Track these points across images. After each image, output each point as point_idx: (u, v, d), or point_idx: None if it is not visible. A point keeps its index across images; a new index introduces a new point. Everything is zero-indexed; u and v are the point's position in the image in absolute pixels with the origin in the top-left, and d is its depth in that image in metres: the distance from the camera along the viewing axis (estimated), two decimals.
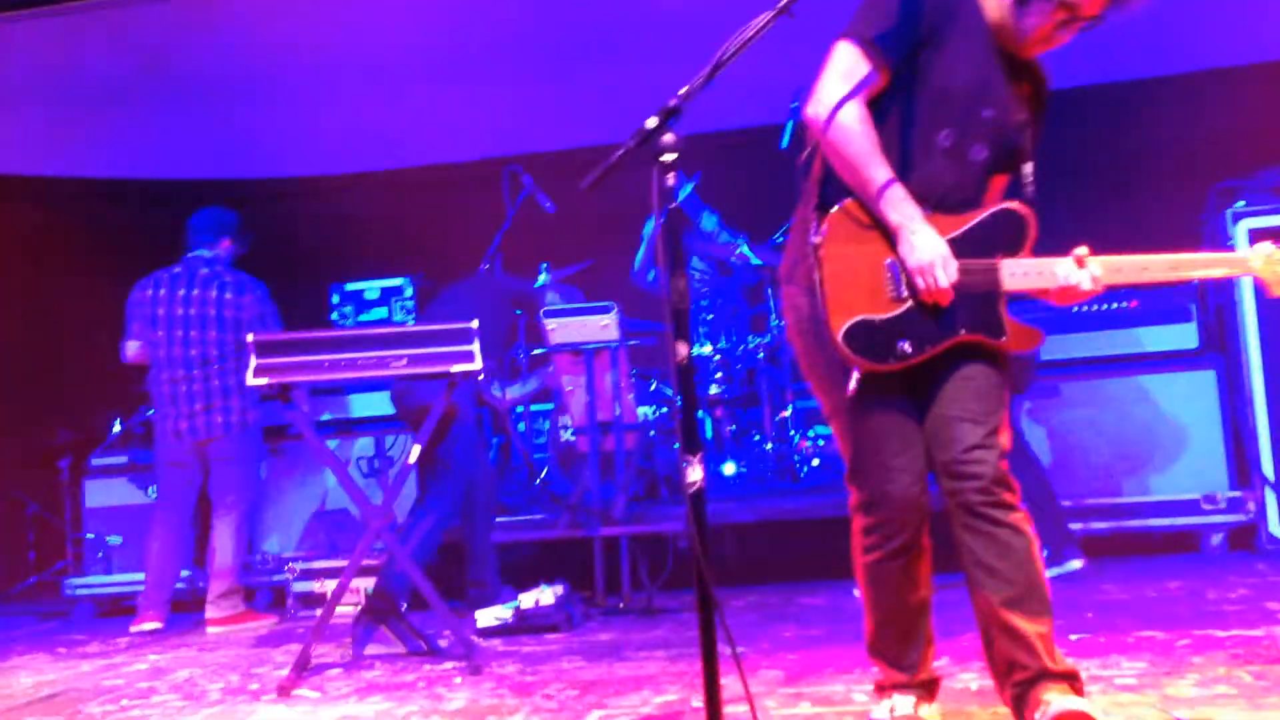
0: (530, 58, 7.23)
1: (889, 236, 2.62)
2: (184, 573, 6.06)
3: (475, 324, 4.21)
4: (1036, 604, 2.61)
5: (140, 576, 5.97)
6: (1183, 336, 5.64)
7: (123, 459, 6.64)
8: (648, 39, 6.70)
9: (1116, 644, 3.65)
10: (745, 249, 6.35)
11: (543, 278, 6.43)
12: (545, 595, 4.79)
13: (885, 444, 2.70)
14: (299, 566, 5.98)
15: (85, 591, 6.52)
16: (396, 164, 8.12)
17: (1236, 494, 5.37)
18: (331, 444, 6.10)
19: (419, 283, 7.01)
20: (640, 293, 6.66)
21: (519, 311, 5.93)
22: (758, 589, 5.37)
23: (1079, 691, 2.61)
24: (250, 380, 4.18)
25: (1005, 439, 2.65)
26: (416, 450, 4.36)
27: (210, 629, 5.63)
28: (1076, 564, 4.93)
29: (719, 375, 6.45)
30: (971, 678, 3.11)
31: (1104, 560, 5.21)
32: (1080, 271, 2.63)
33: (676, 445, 6.01)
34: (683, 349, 2.45)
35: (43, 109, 7.34)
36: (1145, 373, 5.60)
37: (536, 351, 6.48)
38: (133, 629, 5.67)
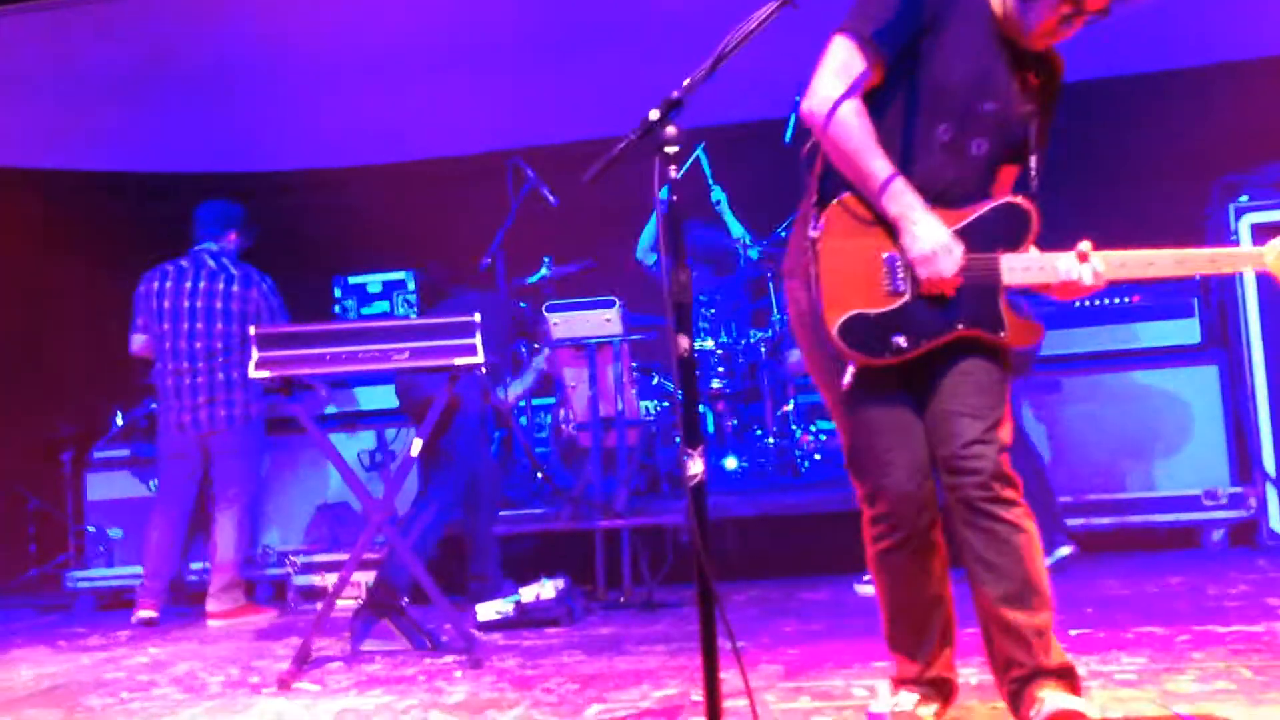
0: (533, 51, 7.22)
1: (889, 230, 2.61)
2: (195, 565, 6.07)
3: (477, 317, 4.21)
4: (1034, 600, 2.60)
5: (139, 569, 5.97)
6: (1185, 332, 5.63)
7: (125, 452, 6.64)
8: (651, 31, 6.70)
9: (1116, 639, 3.65)
10: (745, 235, 6.35)
11: (543, 270, 6.44)
12: (546, 589, 4.79)
13: (881, 438, 2.69)
14: (300, 560, 5.98)
15: (86, 584, 6.53)
16: (399, 157, 8.11)
17: (1238, 490, 5.37)
18: (333, 437, 6.09)
19: (421, 276, 7.00)
20: (643, 280, 6.65)
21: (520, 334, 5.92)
22: (759, 584, 5.37)
23: (1076, 688, 2.60)
24: (252, 373, 4.18)
25: (1006, 434, 2.64)
26: (418, 443, 4.36)
27: (211, 622, 5.63)
28: (1065, 550, 4.95)
29: (721, 370, 6.44)
30: (972, 672, 3.10)
31: (1105, 555, 5.21)
32: (1082, 266, 2.62)
33: (678, 439, 6.01)
34: (684, 342, 2.44)
35: (44, 101, 7.34)
36: (1147, 368, 5.59)
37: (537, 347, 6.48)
38: (133, 619, 5.68)
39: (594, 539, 5.25)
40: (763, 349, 6.42)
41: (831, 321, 2.61)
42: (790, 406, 6.35)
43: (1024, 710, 2.58)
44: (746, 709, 2.56)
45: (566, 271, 6.57)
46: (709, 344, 6.47)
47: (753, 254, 6.38)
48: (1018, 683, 2.60)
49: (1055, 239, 2.68)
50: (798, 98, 2.83)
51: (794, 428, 6.34)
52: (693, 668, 3.56)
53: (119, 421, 6.77)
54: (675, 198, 2.46)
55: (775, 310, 6.51)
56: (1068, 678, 2.60)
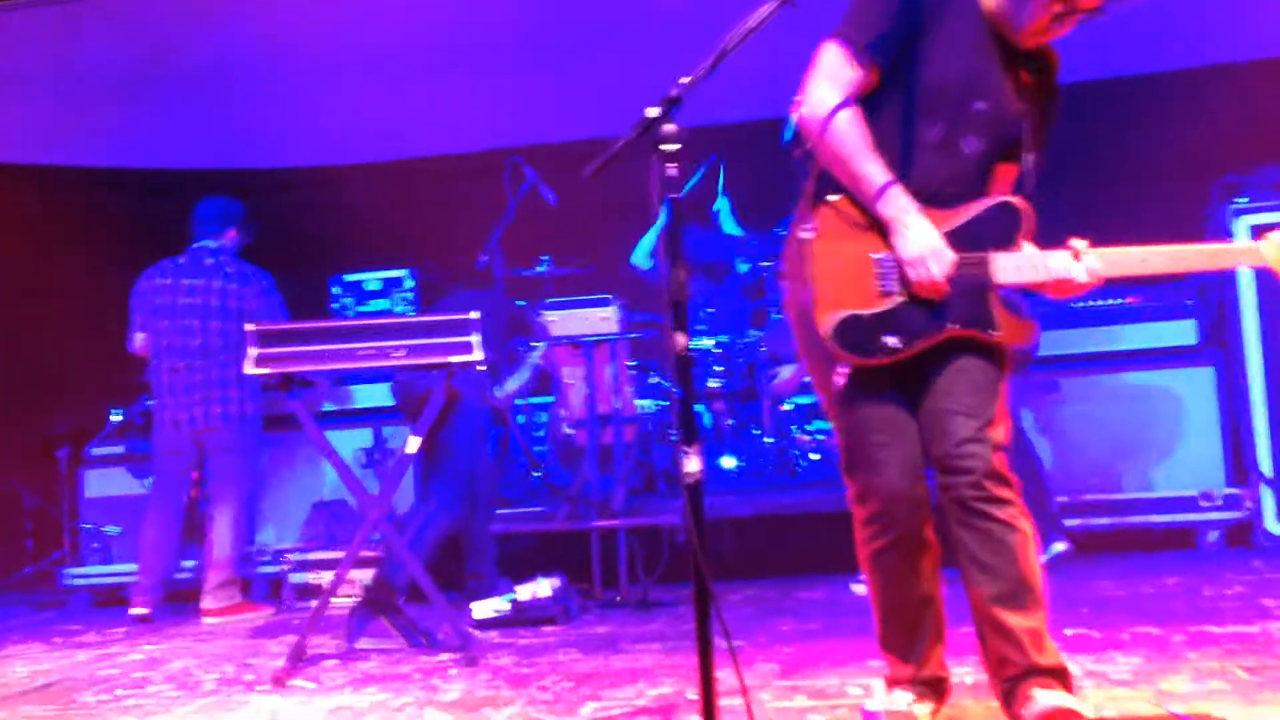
0: (533, 49, 7.22)
1: (881, 232, 2.62)
2: (188, 563, 6.06)
3: (475, 315, 4.21)
4: (1027, 600, 2.60)
5: (135, 567, 5.97)
6: (1182, 333, 5.64)
7: (121, 449, 6.64)
8: (651, 30, 6.69)
9: (1112, 639, 3.65)
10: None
11: (542, 269, 6.44)
12: (542, 588, 4.79)
13: (874, 436, 2.69)
14: (295, 558, 5.98)
15: (82, 581, 6.52)
16: (398, 155, 8.10)
17: (1234, 491, 5.37)
18: (330, 434, 6.08)
19: (420, 274, 7.00)
20: (639, 281, 6.65)
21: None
22: (755, 583, 5.37)
23: (1069, 687, 2.60)
24: (249, 370, 4.18)
25: (1001, 433, 2.64)
26: (415, 441, 4.35)
27: (206, 620, 5.63)
28: (1060, 546, 4.96)
29: (719, 369, 6.44)
30: (967, 671, 3.10)
31: (1101, 556, 5.22)
32: (1076, 264, 2.62)
33: (674, 436, 6.01)
34: (681, 339, 2.45)
35: (45, 98, 7.33)
36: (1144, 369, 5.60)
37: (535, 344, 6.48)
38: (130, 613, 5.69)
39: (590, 538, 5.25)
40: (761, 348, 6.42)
41: (824, 322, 2.61)
42: (788, 406, 6.35)
43: (1017, 709, 2.59)
44: (742, 707, 2.56)
45: (565, 272, 6.58)
46: (707, 343, 6.48)
47: (742, 268, 6.40)
48: (1010, 681, 2.61)
49: (1054, 241, 2.68)
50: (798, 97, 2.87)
51: (791, 427, 6.34)
52: (688, 666, 3.54)
53: (115, 418, 6.77)
54: (677, 196, 2.46)
55: (774, 310, 6.51)
56: (1061, 677, 2.60)
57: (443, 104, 7.44)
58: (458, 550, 5.34)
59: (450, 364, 4.22)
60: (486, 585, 5.16)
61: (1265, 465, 5.30)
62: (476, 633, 4.61)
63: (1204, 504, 5.38)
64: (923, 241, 2.58)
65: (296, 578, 5.94)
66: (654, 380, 6.38)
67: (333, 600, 4.36)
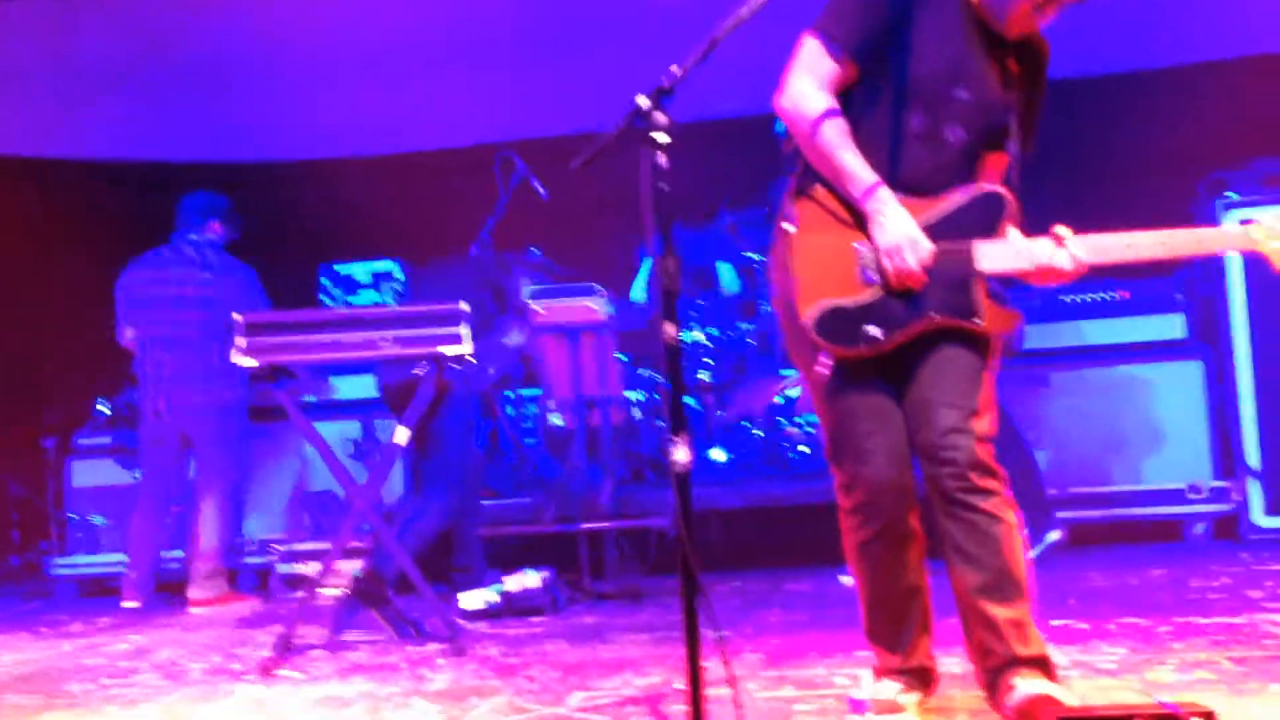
0: (526, 44, 7.21)
1: (861, 223, 2.63)
2: (176, 553, 6.05)
3: (464, 306, 4.20)
4: (1011, 590, 2.60)
5: (122, 557, 5.97)
6: (1170, 327, 5.66)
7: (108, 439, 6.62)
8: (643, 25, 6.68)
9: (1099, 630, 3.66)
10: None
11: None
12: (530, 579, 4.79)
13: (859, 427, 2.70)
14: (283, 549, 5.97)
15: (68, 571, 6.51)
16: (390, 149, 8.09)
17: (1221, 484, 5.40)
18: (319, 425, 6.07)
19: (409, 267, 6.99)
20: (631, 273, 6.66)
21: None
22: (743, 574, 5.38)
23: (1052, 676, 2.61)
24: (236, 360, 4.17)
25: (986, 423, 2.64)
26: (404, 432, 4.34)
27: (193, 610, 5.62)
28: (1055, 535, 4.99)
29: (709, 362, 6.44)
30: (954, 661, 3.11)
31: (1088, 548, 5.24)
32: (1059, 252, 2.62)
33: (660, 422, 6.02)
34: (671, 329, 2.45)
35: (39, 91, 7.31)
36: (1132, 362, 5.62)
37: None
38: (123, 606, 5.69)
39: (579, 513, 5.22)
40: (751, 341, 6.42)
41: (806, 313, 2.62)
42: (778, 398, 6.35)
43: (1000, 698, 2.60)
44: (729, 697, 2.57)
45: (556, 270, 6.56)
46: (698, 335, 6.48)
47: (732, 286, 6.42)
48: (994, 672, 2.62)
49: (1041, 235, 2.67)
50: None
51: (781, 419, 6.35)
52: (676, 657, 3.55)
53: (103, 409, 6.75)
54: (666, 187, 2.46)
55: (764, 302, 6.51)
56: (1044, 666, 2.61)
57: (435, 98, 7.43)
58: (445, 542, 5.34)
59: (439, 355, 4.21)
60: (474, 576, 5.16)
61: (1252, 458, 5.32)
62: (464, 623, 4.61)
63: (1191, 497, 5.40)
64: (899, 230, 2.58)
65: (285, 568, 5.93)
66: (646, 374, 6.38)
67: (320, 591, 4.35)
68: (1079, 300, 5.71)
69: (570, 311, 5.38)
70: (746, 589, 5.06)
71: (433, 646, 4.21)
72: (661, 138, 2.43)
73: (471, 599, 4.79)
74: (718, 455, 6.35)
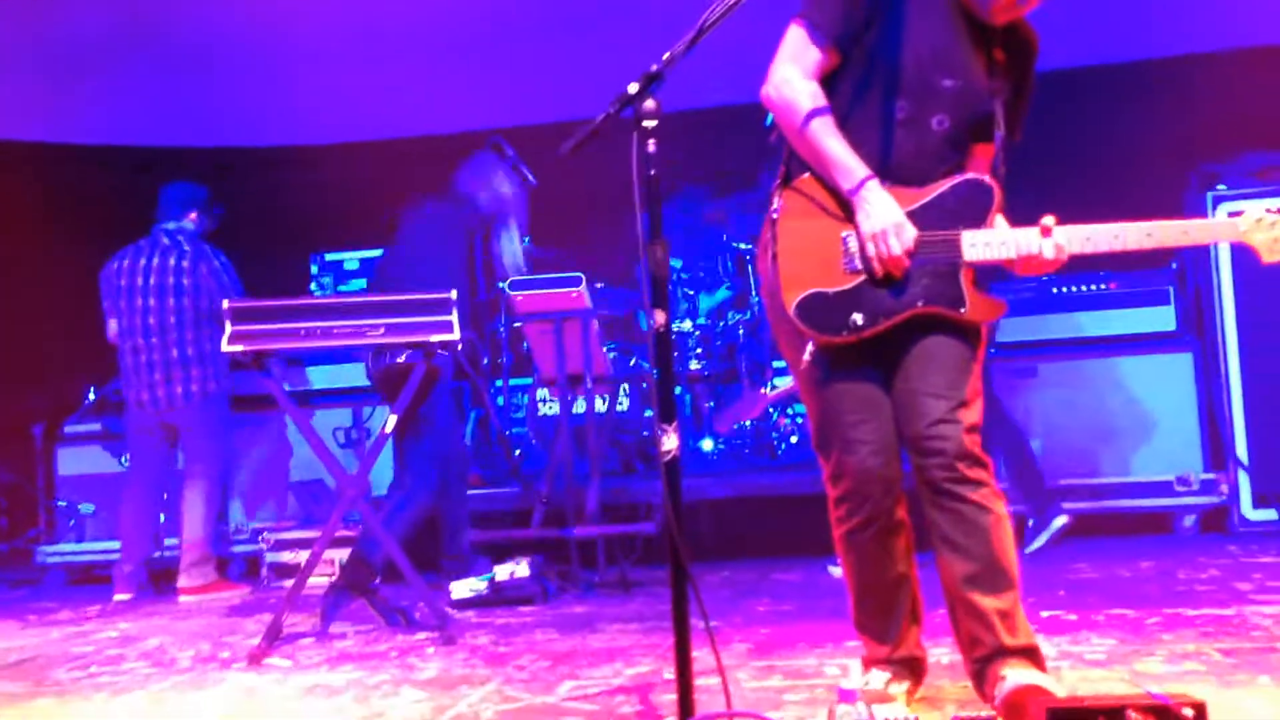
0: (516, 30, 7.18)
1: (849, 211, 2.62)
2: (169, 541, 6.04)
3: (454, 294, 4.19)
4: (999, 580, 2.60)
5: (110, 544, 5.96)
6: (1160, 319, 5.66)
7: (96, 426, 6.61)
8: (633, 12, 6.66)
9: (1087, 621, 3.67)
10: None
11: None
12: (520, 568, 4.78)
13: (845, 416, 2.69)
14: (273, 537, 5.95)
15: (57, 559, 6.49)
16: (380, 135, 8.07)
17: (1210, 476, 5.41)
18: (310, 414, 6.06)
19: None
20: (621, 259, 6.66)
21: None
22: (732, 564, 5.38)
23: (1040, 666, 2.61)
24: (225, 348, 4.15)
25: (974, 413, 2.63)
26: (393, 419, 4.33)
27: (182, 598, 5.61)
28: (1061, 520, 5.03)
29: (699, 351, 6.44)
30: (943, 652, 3.11)
31: (1078, 539, 5.24)
32: (1044, 241, 2.62)
33: (648, 412, 6.00)
34: (660, 316, 2.44)
35: (26, 74, 7.27)
36: (1122, 354, 5.62)
37: (517, 325, 6.45)
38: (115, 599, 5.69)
39: (568, 512, 5.21)
40: (741, 331, 6.42)
41: (789, 300, 2.62)
42: (768, 389, 6.35)
43: (988, 689, 2.60)
44: (718, 687, 2.56)
45: (543, 254, 6.54)
46: (687, 325, 6.47)
47: (723, 294, 6.44)
48: (982, 662, 2.62)
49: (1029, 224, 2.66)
50: None
51: (771, 410, 6.35)
52: (665, 646, 3.57)
53: (91, 396, 6.73)
54: (654, 172, 2.45)
55: (754, 292, 6.51)
56: (1032, 656, 2.60)
57: (425, 84, 7.41)
58: (434, 530, 5.33)
59: (429, 343, 4.20)
60: (464, 565, 5.15)
61: (1241, 451, 5.33)
62: (454, 612, 4.60)
63: (1180, 489, 5.41)
64: (884, 216, 2.58)
65: (274, 557, 5.92)
66: (634, 362, 6.37)
67: (310, 580, 4.34)
68: (1069, 291, 5.71)
69: (554, 300, 5.35)
70: (736, 579, 5.06)
71: (422, 635, 4.21)
72: (651, 123, 2.42)
73: (461, 588, 4.78)
74: (708, 445, 6.35)
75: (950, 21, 2.66)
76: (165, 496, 6.01)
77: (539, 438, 6.36)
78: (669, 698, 2.90)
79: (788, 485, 5.61)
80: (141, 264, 5.81)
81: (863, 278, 2.63)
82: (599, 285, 5.93)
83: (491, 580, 4.76)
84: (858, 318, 2.62)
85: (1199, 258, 5.49)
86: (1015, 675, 2.54)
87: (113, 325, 5.90)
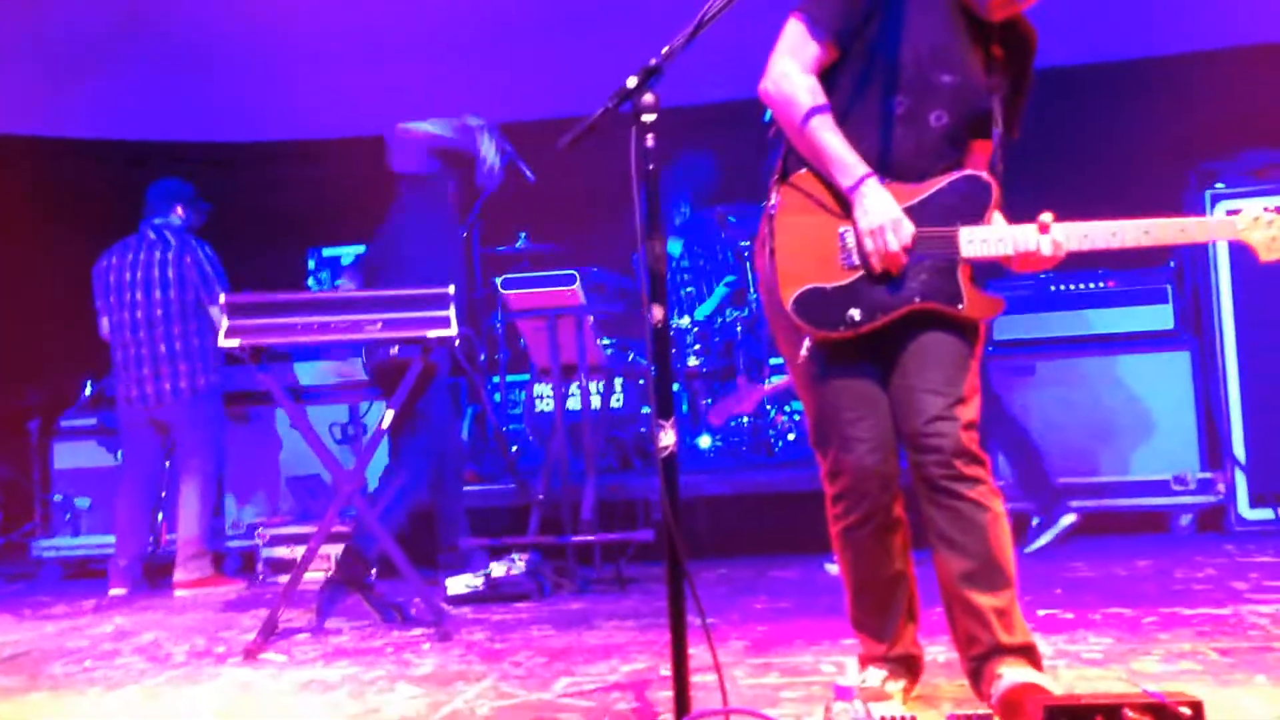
0: (514, 25, 7.18)
1: (845, 206, 2.62)
2: (168, 536, 6.04)
3: (452, 289, 4.18)
4: (996, 578, 2.59)
5: (106, 539, 5.95)
6: (1158, 317, 5.65)
7: (92, 421, 6.59)
8: (632, 8, 6.65)
9: (1084, 620, 3.66)
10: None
11: (519, 244, 6.41)
12: (517, 564, 4.78)
13: (843, 413, 2.68)
14: (269, 532, 5.95)
15: (52, 553, 6.48)
16: (377, 130, 8.02)
17: (1207, 475, 5.40)
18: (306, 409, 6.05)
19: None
20: (620, 256, 6.66)
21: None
22: (729, 562, 5.37)
23: (1036, 664, 2.60)
24: (222, 342, 4.14)
25: (971, 411, 2.62)
26: (390, 415, 4.32)
27: (178, 592, 5.60)
28: (1069, 518, 5.02)
29: (697, 348, 6.43)
30: (940, 650, 3.11)
31: (1074, 538, 5.23)
32: (1042, 237, 2.61)
33: (646, 409, 5.99)
34: (658, 312, 2.43)
35: (23, 69, 7.25)
36: (1120, 353, 5.61)
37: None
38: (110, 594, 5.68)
39: (564, 513, 5.21)
40: (739, 328, 6.41)
41: (786, 296, 2.62)
42: (766, 385, 6.35)
43: (984, 687, 2.59)
44: (715, 684, 2.56)
45: (541, 248, 6.54)
46: (684, 321, 6.46)
47: (721, 291, 6.45)
48: (977, 660, 2.61)
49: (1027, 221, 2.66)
50: None
51: (769, 407, 6.34)
52: (662, 643, 3.56)
53: (87, 391, 6.72)
54: (652, 167, 2.45)
55: (752, 289, 6.50)
56: (1029, 654, 2.60)
57: (423, 79, 7.39)
58: (430, 526, 5.32)
59: (426, 339, 4.19)
60: (460, 560, 5.14)
61: (1239, 450, 5.32)
62: (450, 608, 4.60)
63: (1177, 488, 5.40)
64: (882, 212, 2.57)
65: (270, 552, 5.91)
66: (631, 358, 6.36)
67: (306, 575, 4.33)
68: (1066, 290, 5.70)
69: (548, 297, 5.34)
70: (733, 576, 5.05)
71: (418, 631, 4.20)
72: (649, 117, 2.41)
73: (457, 584, 4.77)
74: (705, 442, 6.34)
75: (949, 18, 2.65)
76: (163, 495, 6.01)
77: (536, 434, 6.35)
78: (665, 694, 2.90)
79: (785, 482, 5.61)
80: (129, 259, 5.82)
81: (860, 273, 2.62)
82: (594, 269, 5.93)
83: (487, 576, 4.76)
84: (855, 313, 2.61)
85: (1197, 256, 5.48)
86: (1012, 673, 2.54)
87: (105, 323, 5.92)
